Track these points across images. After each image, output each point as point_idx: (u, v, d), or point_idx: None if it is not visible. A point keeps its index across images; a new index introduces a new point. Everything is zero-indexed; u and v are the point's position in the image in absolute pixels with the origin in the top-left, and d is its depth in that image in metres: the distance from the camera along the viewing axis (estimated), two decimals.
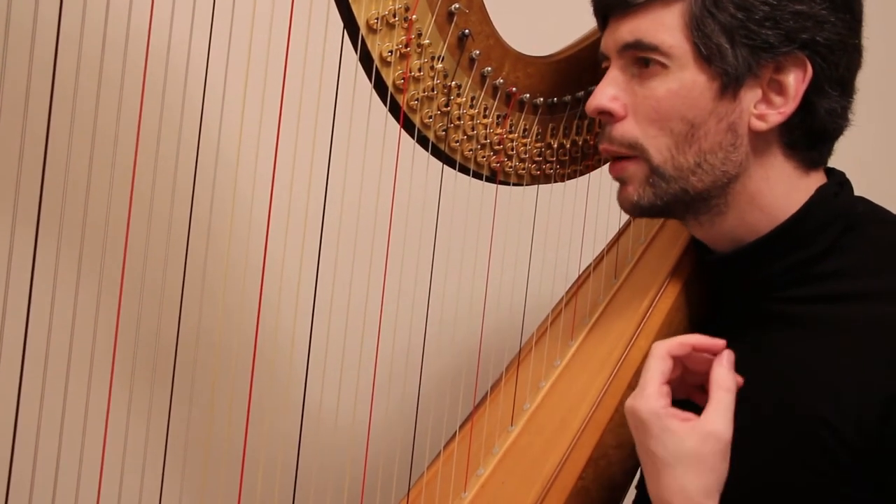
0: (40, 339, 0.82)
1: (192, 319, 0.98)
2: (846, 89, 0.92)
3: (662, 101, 0.90)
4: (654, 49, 0.89)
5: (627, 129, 0.93)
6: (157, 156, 0.91)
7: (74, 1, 0.78)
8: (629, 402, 0.85)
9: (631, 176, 0.94)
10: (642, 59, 0.91)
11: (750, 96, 0.90)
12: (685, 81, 0.89)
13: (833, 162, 0.98)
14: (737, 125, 0.90)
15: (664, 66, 0.89)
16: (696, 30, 0.88)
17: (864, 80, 0.95)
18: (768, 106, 0.90)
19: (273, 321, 1.12)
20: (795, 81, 0.89)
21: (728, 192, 0.93)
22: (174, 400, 0.94)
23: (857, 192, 0.98)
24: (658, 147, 0.91)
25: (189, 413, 1.05)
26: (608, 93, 0.93)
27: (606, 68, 0.95)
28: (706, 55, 0.88)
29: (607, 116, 0.94)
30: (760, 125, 0.90)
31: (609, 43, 0.94)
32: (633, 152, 0.93)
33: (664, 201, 0.93)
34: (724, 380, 0.84)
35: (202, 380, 1.08)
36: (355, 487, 1.04)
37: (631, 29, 0.91)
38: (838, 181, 0.96)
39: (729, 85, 0.89)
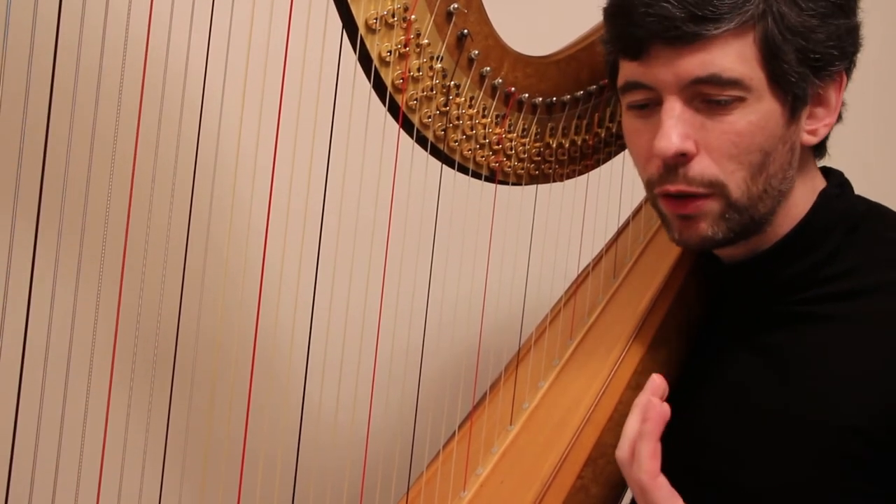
0: (40, 339, 0.82)
1: (191, 318, 0.98)
2: None
3: (743, 135, 0.84)
4: (735, 84, 0.83)
5: (706, 167, 0.86)
6: (156, 156, 0.91)
7: None
8: None
9: (705, 213, 0.88)
10: (717, 93, 0.84)
11: (804, 113, 0.88)
12: (763, 112, 0.85)
13: (836, 163, 0.98)
14: (795, 144, 0.89)
15: (742, 98, 0.84)
16: (773, 57, 0.83)
17: (867, 81, 0.95)
18: (813, 119, 0.89)
19: (272, 320, 1.12)
20: (835, 93, 0.89)
21: (778, 209, 0.90)
22: (174, 399, 0.94)
23: (859, 194, 0.98)
24: (737, 182, 0.86)
25: (189, 412, 1.05)
26: (680, 131, 0.84)
27: (649, 101, 0.88)
28: (780, 81, 0.84)
29: (681, 157, 0.86)
30: (812, 140, 0.90)
31: (664, 75, 0.85)
32: (712, 190, 0.86)
33: (736, 233, 0.89)
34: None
35: (202, 379, 1.08)
36: (355, 487, 1.04)
37: (702, 62, 0.83)
38: (838, 182, 0.96)
39: (797, 108, 0.87)
